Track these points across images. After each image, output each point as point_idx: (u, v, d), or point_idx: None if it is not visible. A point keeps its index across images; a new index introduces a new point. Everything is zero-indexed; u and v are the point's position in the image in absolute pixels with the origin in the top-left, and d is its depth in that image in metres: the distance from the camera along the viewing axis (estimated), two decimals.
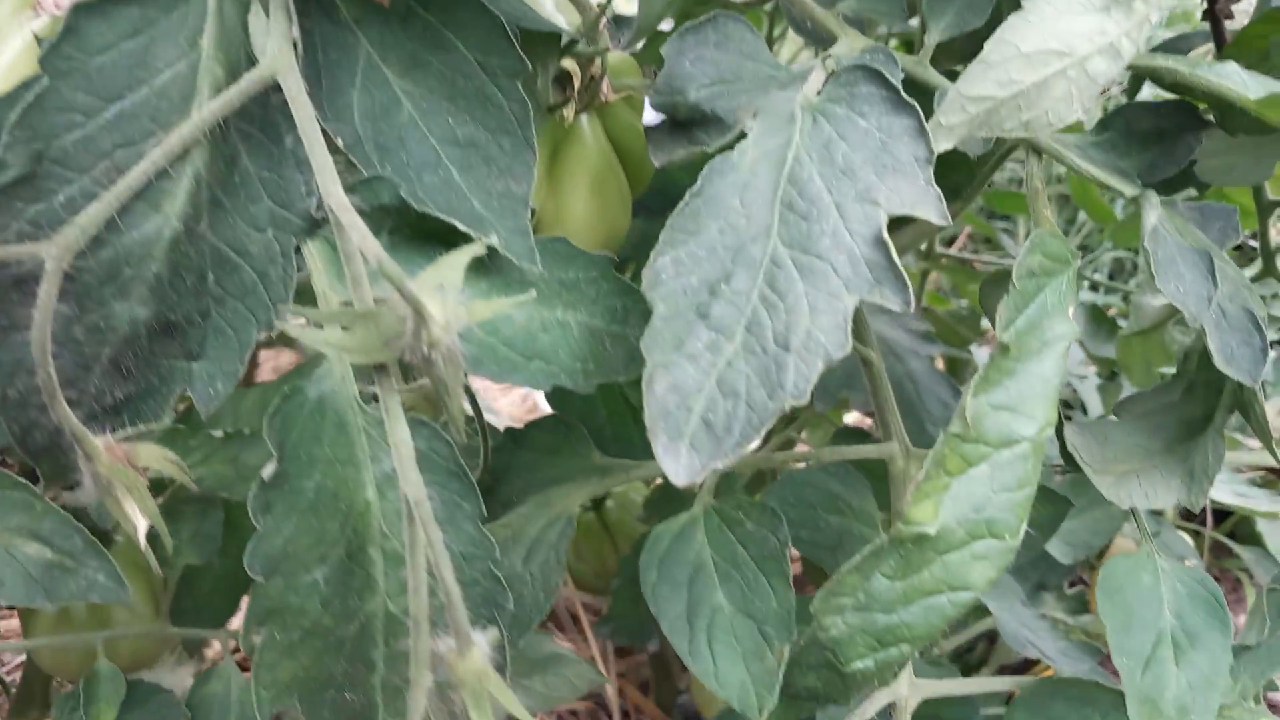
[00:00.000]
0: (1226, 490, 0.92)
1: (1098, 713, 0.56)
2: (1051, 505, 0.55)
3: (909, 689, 0.56)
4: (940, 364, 0.96)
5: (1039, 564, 0.99)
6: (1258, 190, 0.78)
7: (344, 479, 0.34)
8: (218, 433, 0.60)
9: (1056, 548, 0.85)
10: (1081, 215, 1.65)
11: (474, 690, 0.28)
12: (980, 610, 0.92)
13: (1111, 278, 1.54)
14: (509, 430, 0.49)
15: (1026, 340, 0.38)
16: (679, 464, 0.33)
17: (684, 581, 0.41)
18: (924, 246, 1.11)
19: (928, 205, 0.36)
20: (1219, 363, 0.40)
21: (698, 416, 0.34)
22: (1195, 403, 0.48)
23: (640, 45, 0.52)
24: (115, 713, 0.55)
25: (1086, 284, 1.46)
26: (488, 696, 0.29)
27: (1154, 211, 0.41)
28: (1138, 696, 0.47)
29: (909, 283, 0.34)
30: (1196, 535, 1.27)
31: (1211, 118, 0.48)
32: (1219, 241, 0.46)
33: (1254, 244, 0.85)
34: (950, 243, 1.35)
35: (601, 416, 0.58)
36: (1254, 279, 0.82)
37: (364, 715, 0.37)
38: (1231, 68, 0.41)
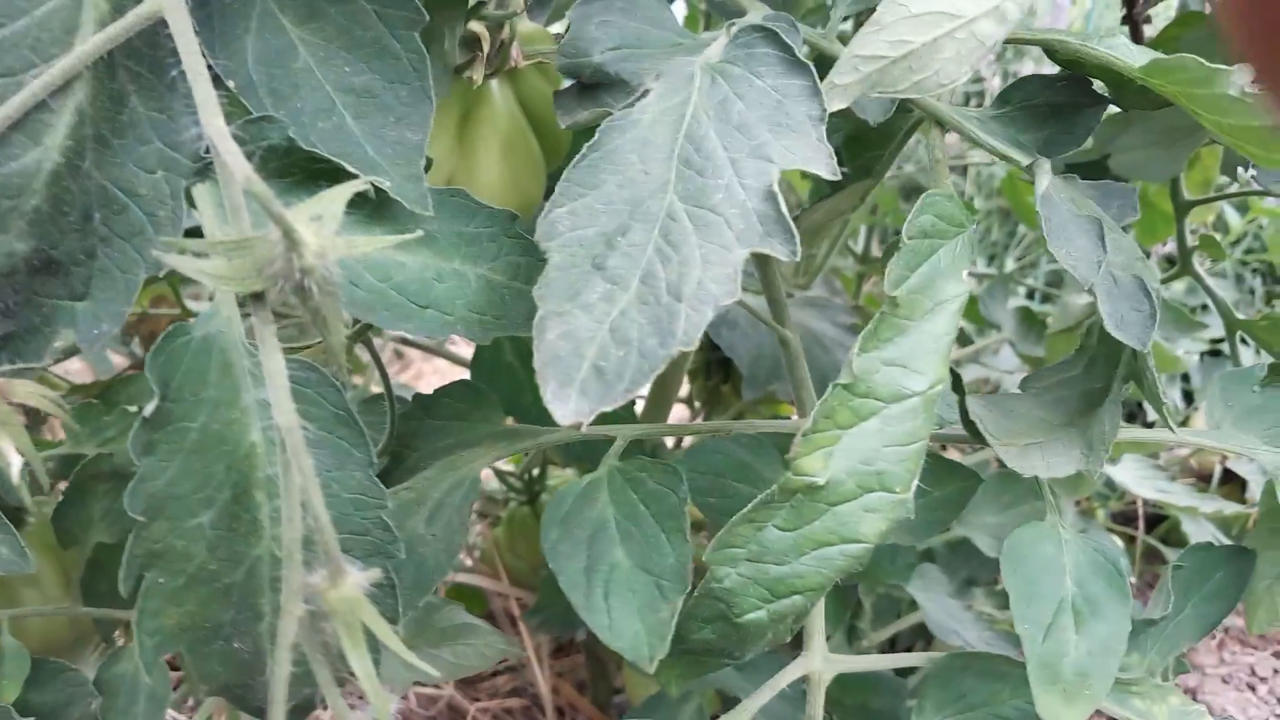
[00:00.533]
0: (1148, 486, 0.93)
1: (1007, 686, 0.57)
2: (960, 480, 0.55)
3: (823, 663, 0.57)
4: None
5: (969, 559, 1.00)
6: (1175, 190, 0.80)
7: (229, 421, 0.34)
8: (133, 408, 0.60)
9: (984, 542, 0.86)
10: (1022, 228, 1.68)
11: (346, 620, 0.28)
12: (910, 604, 0.93)
13: (1050, 285, 1.56)
14: (418, 397, 0.48)
15: (919, 299, 0.38)
16: (567, 407, 0.33)
17: (584, 539, 0.42)
18: (860, 249, 1.13)
19: (819, 162, 0.37)
20: (1110, 327, 0.41)
21: (589, 364, 0.34)
22: (1095, 376, 0.49)
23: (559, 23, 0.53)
24: (19, 689, 0.54)
25: (1023, 291, 1.49)
26: (361, 627, 0.29)
27: (1046, 178, 0.42)
28: (1038, 663, 0.48)
29: (796, 233, 0.35)
30: (1130, 540, 1.29)
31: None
32: (1118, 218, 0.48)
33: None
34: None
35: (525, 385, 0.58)
36: (1171, 278, 0.84)
37: (252, 665, 0.37)
38: (1120, 40, 0.42)
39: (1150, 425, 1.15)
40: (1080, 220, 0.41)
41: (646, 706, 0.62)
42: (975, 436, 0.48)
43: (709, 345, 1.00)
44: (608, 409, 0.33)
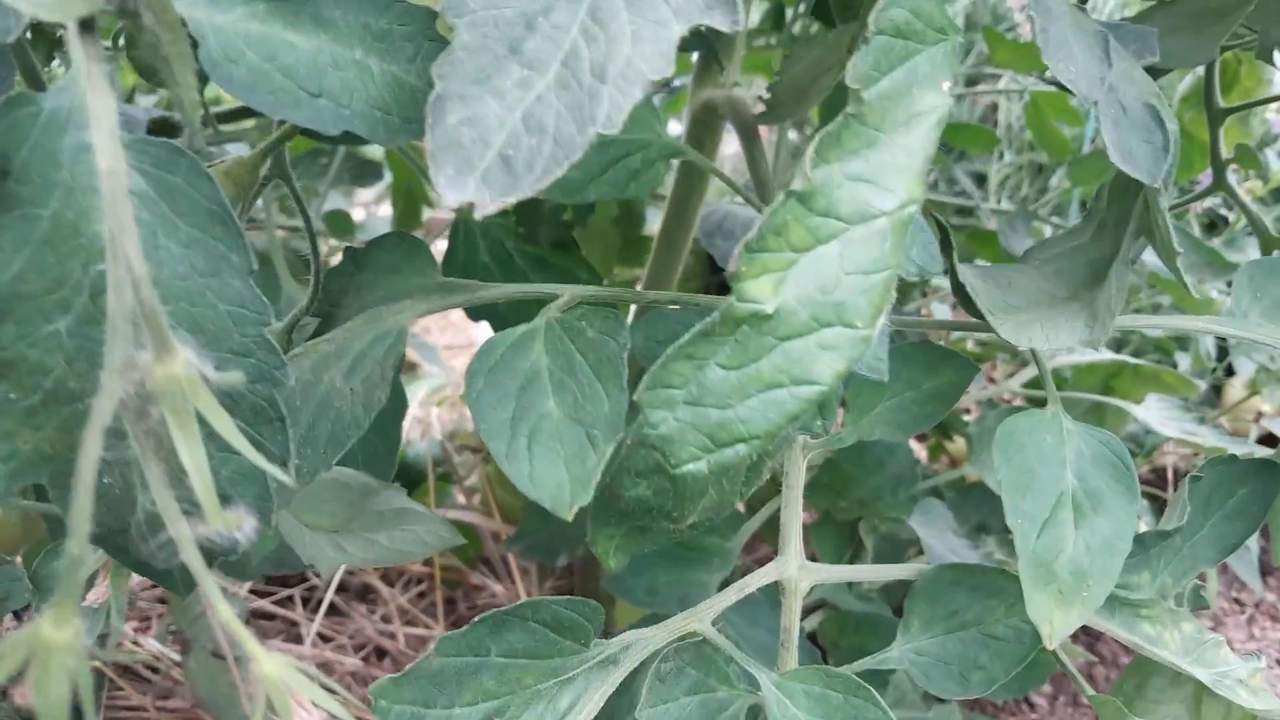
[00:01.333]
0: (1174, 427, 0.87)
1: (1003, 604, 0.52)
2: (954, 369, 0.50)
3: (798, 571, 0.52)
4: None
5: (981, 504, 0.95)
6: (1209, 96, 0.74)
7: (86, 210, 0.30)
8: None
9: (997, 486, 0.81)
10: (1054, 180, 1.61)
11: (174, 403, 0.24)
12: (917, 549, 0.88)
13: None
14: (349, 250, 0.44)
15: (891, 108, 0.33)
16: (464, 194, 0.28)
17: (513, 391, 0.37)
18: None
19: None
20: (1115, 158, 0.36)
21: (495, 152, 0.29)
22: (1104, 242, 0.44)
23: None
24: None
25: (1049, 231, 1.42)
26: (193, 415, 0.24)
27: None
28: (1031, 560, 0.43)
29: (740, 5, 0.30)
30: (1156, 502, 1.23)
31: None
32: (1136, 57, 0.42)
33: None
34: None
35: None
36: (1205, 194, 0.78)
37: (123, 502, 0.33)
38: None
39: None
40: (1083, 34, 0.36)
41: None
42: (967, 305, 0.43)
43: (710, 268, 0.95)
44: (511, 201, 0.29)
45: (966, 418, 1.07)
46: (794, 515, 0.52)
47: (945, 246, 0.43)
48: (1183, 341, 1.18)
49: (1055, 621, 0.42)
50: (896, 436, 0.50)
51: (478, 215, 0.28)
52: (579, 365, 0.37)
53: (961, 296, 0.44)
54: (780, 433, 0.33)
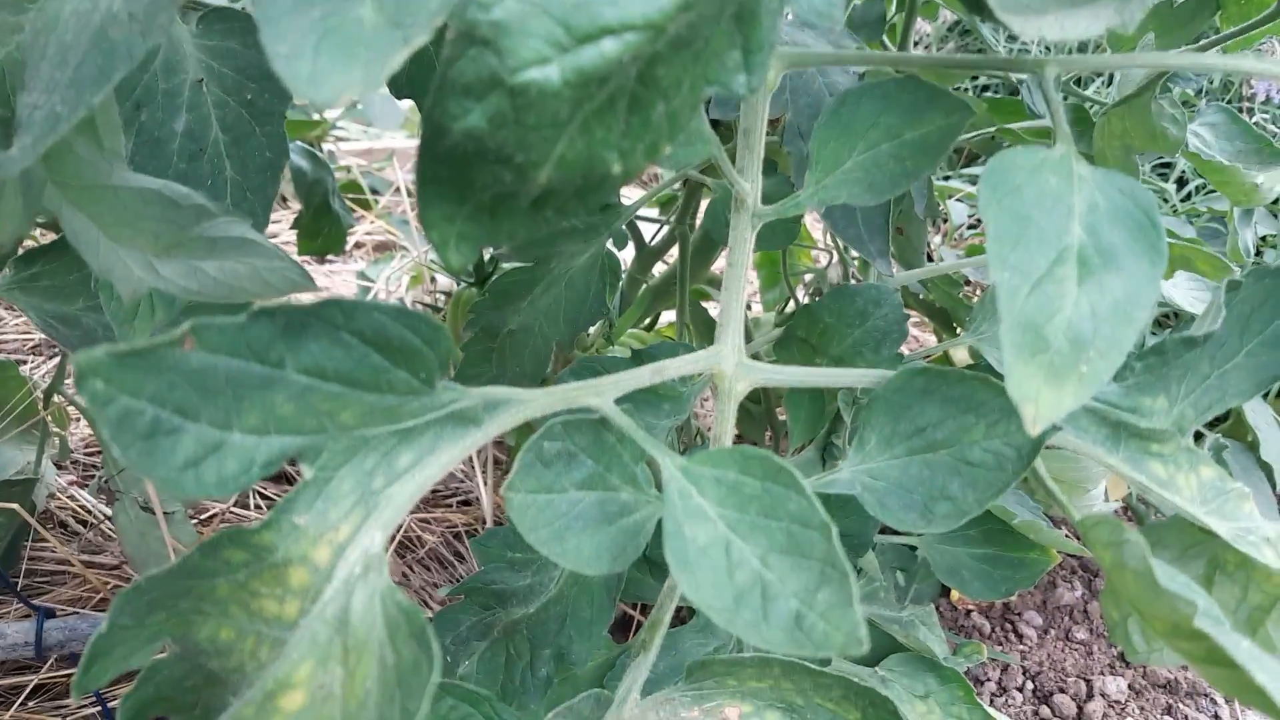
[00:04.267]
0: (1202, 308, 0.77)
1: (981, 421, 0.42)
2: (944, 114, 0.40)
3: (735, 368, 0.42)
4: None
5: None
6: None
7: None
8: None
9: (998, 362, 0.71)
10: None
11: None
12: None
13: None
14: None
15: None
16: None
17: None
18: None
19: None
20: None
21: None
22: None
23: None
24: None
25: None
26: None
27: None
28: (1017, 322, 0.33)
29: None
30: (1197, 436, 1.13)
31: None
32: None
33: None
34: None
35: None
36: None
37: None
38: None
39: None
40: None
41: None
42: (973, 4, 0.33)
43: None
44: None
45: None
46: (735, 297, 0.42)
47: None
48: (1219, 239, 1.07)
49: (1042, 400, 0.32)
50: (867, 199, 0.40)
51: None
52: None
53: None
54: (667, 26, 0.23)
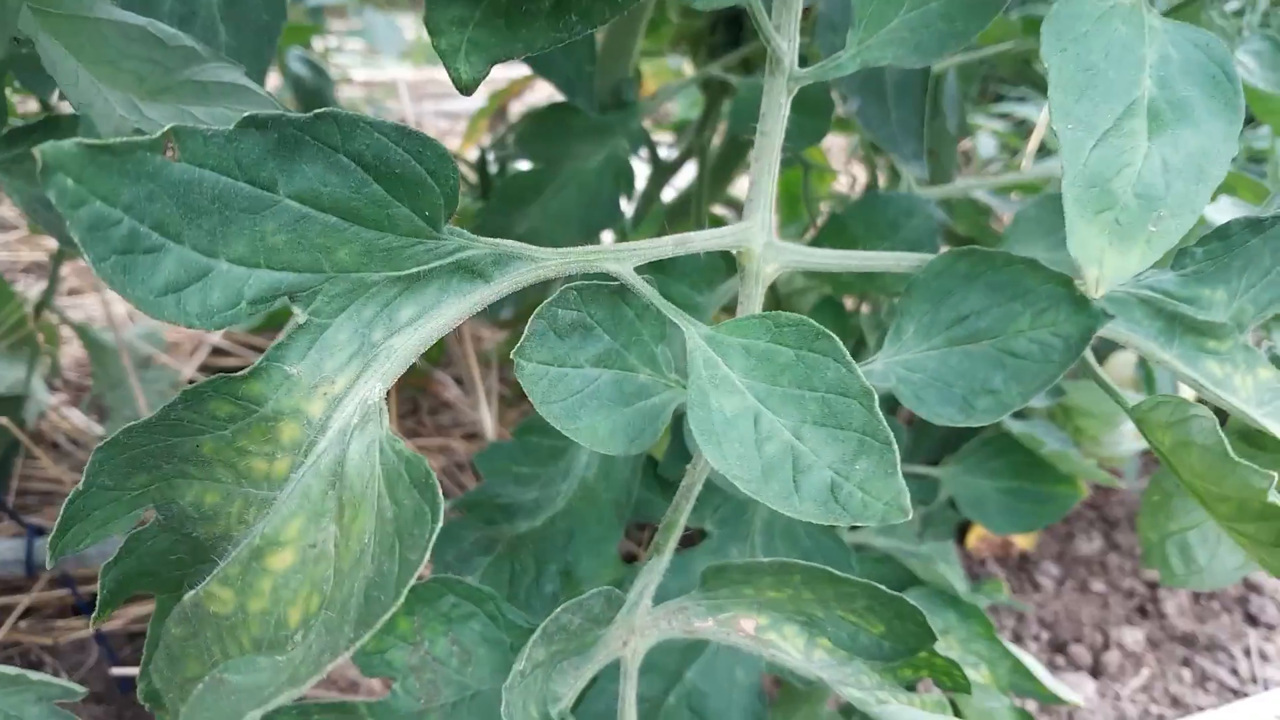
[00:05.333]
0: None
1: (1028, 309, 0.39)
2: None
3: (764, 248, 0.40)
4: None
5: None
6: None
7: None
8: None
9: None
10: None
11: None
12: None
13: None
14: None
15: None
16: None
17: None
18: None
19: None
20: None
21: None
22: None
23: None
24: None
25: None
26: None
27: None
28: (1081, 177, 0.30)
29: None
30: None
31: None
32: None
33: None
34: None
35: None
36: None
37: None
38: None
39: None
40: None
41: None
42: None
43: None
44: None
45: None
46: (766, 170, 0.39)
47: None
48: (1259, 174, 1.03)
49: (1106, 262, 0.29)
50: (913, 60, 0.37)
51: None
52: None
53: None
54: None
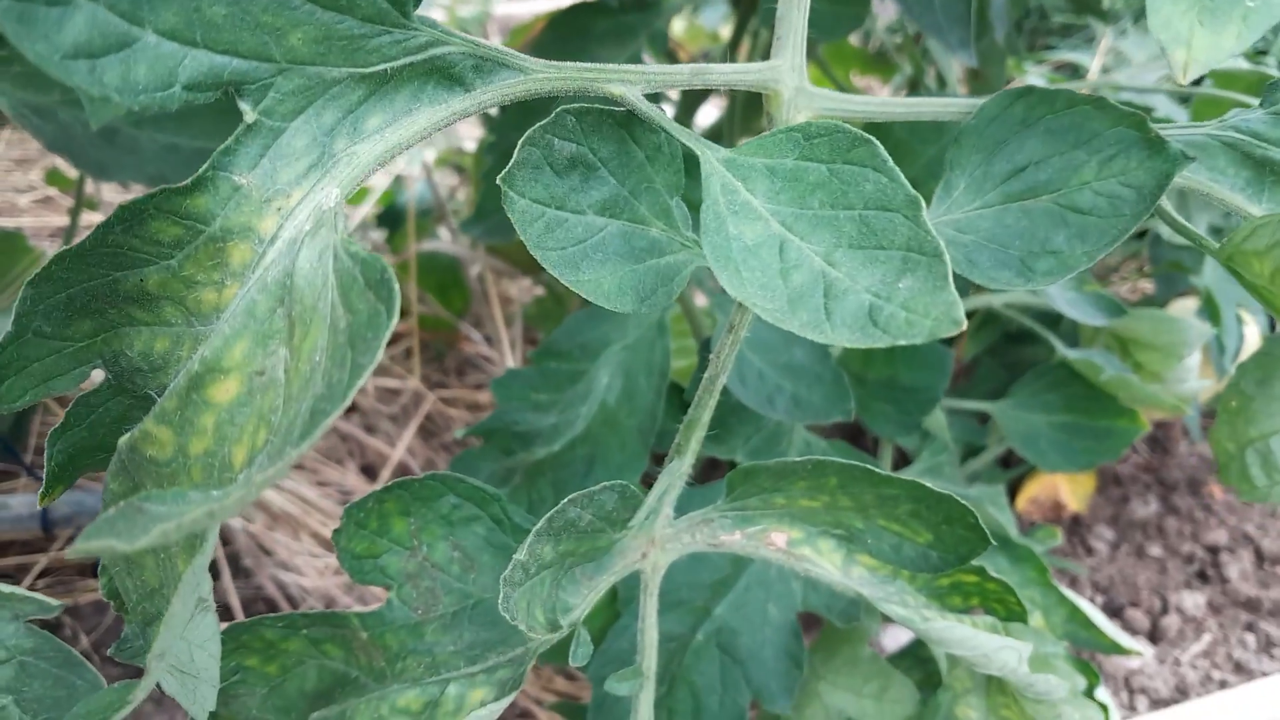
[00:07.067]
0: None
1: (1094, 157, 0.35)
2: None
3: (794, 93, 0.35)
4: None
5: None
6: None
7: None
8: None
9: None
10: None
11: None
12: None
13: None
14: None
15: None
16: None
17: None
18: None
19: None
20: None
21: None
22: None
23: None
24: None
25: None
26: None
27: None
28: None
29: None
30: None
31: None
32: None
33: None
34: None
35: None
36: None
37: None
38: None
39: None
40: None
41: None
42: None
43: None
44: None
45: None
46: (797, 4, 0.35)
47: None
48: None
49: (1196, 43, 0.25)
50: None
51: None
52: None
53: None
54: None
